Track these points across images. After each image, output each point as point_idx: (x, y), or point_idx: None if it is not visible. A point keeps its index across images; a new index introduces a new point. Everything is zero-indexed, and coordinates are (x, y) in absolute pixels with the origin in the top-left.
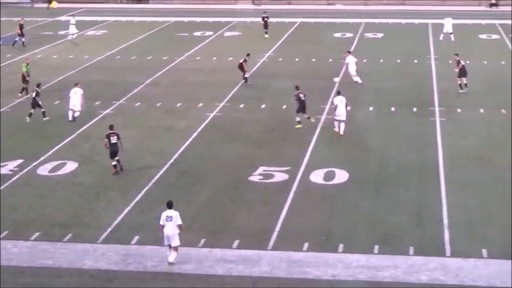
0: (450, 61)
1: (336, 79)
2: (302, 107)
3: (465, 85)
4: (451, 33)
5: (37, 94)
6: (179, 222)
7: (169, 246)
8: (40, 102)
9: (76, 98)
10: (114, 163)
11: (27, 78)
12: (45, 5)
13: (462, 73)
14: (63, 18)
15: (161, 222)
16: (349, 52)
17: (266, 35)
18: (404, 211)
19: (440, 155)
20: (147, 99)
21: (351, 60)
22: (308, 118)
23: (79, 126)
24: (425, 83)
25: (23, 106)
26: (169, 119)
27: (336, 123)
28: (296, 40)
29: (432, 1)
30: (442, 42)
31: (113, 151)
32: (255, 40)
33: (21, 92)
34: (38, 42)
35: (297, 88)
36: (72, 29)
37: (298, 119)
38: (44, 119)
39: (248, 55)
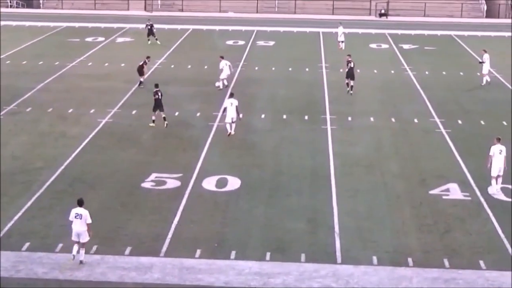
0: (341, 70)
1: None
2: (158, 106)
3: (351, 87)
4: (342, 42)
5: None
6: (89, 221)
7: (77, 242)
8: None
9: None
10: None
11: None
12: None
13: (349, 74)
14: None
15: (70, 218)
16: (221, 57)
17: (149, 42)
18: (297, 218)
19: (332, 162)
20: (38, 105)
21: (224, 65)
22: (164, 118)
23: None
24: (316, 91)
25: None
26: (61, 125)
27: (227, 125)
28: (189, 47)
29: (323, 10)
30: (333, 50)
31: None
32: (147, 46)
33: None
34: None
35: (156, 86)
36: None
37: (153, 117)
38: None
39: (148, 57)
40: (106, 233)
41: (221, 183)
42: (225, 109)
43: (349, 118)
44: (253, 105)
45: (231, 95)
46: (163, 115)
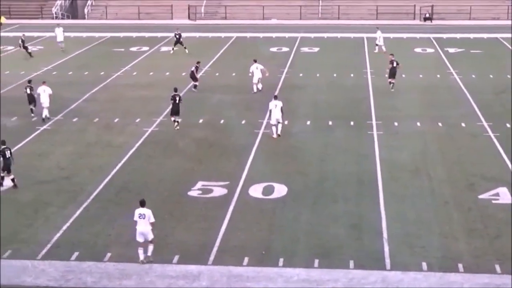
0: (386, 75)
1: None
2: (174, 110)
3: (392, 85)
4: (381, 45)
5: None
6: (152, 220)
7: (142, 243)
8: None
9: (44, 96)
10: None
11: None
12: None
13: (392, 73)
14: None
15: (134, 219)
16: (254, 60)
17: (172, 52)
18: (344, 224)
19: (378, 168)
20: (84, 115)
21: (254, 68)
22: (177, 122)
23: (16, 142)
24: (362, 97)
25: None
26: (107, 135)
27: (273, 128)
28: (233, 54)
29: (367, 15)
30: (378, 55)
31: None
32: (192, 54)
33: None
34: None
35: (175, 90)
36: (60, 37)
37: (173, 119)
38: None
39: (198, 62)
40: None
41: (268, 190)
42: (270, 112)
43: (395, 123)
44: (298, 111)
45: (275, 97)
46: (178, 119)
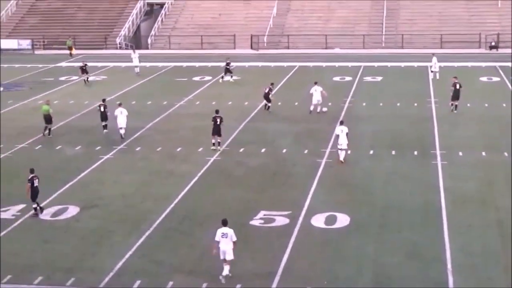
0: (451, 103)
1: (325, 109)
2: (216, 131)
3: (455, 106)
4: (436, 72)
5: None
6: (234, 239)
7: (224, 260)
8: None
9: (122, 118)
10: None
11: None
12: (45, 52)
13: (455, 96)
14: (63, 64)
15: (217, 238)
16: (315, 82)
17: (221, 80)
18: (408, 254)
19: (443, 198)
20: (147, 144)
21: (313, 90)
22: (218, 144)
23: (80, 171)
24: (425, 126)
25: (25, 150)
26: (170, 164)
27: (339, 152)
28: (296, 84)
29: (431, 44)
30: (442, 85)
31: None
32: (254, 84)
33: (45, 132)
34: (39, 88)
35: (216, 112)
36: (136, 62)
37: (213, 141)
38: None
39: (272, 84)
40: (217, 270)
41: (330, 220)
42: (337, 136)
43: (460, 153)
44: (361, 140)
45: (341, 123)
46: (219, 140)
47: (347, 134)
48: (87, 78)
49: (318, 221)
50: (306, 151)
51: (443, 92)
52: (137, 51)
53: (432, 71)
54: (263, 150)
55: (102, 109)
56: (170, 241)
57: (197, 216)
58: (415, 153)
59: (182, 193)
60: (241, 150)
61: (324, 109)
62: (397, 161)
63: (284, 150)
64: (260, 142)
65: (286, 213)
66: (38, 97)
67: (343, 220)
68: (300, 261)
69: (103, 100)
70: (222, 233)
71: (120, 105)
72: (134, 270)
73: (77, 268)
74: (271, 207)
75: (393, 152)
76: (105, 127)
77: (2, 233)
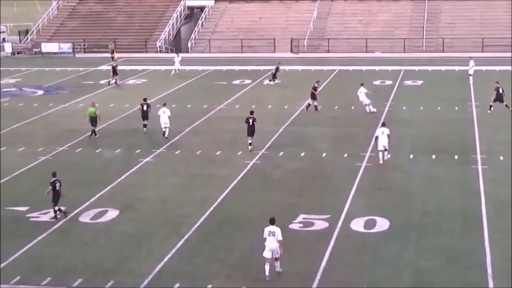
0: (492, 108)
1: (374, 109)
2: (250, 131)
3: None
4: (470, 75)
5: None
6: (280, 238)
7: (269, 259)
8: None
9: (164, 117)
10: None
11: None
12: (86, 55)
13: (498, 99)
14: (104, 67)
15: (264, 236)
16: (361, 84)
17: (272, 83)
18: (448, 259)
19: (483, 203)
20: (187, 147)
21: (358, 92)
22: (250, 144)
23: (119, 174)
24: (466, 130)
25: (65, 153)
26: (209, 167)
27: (380, 153)
28: (335, 88)
29: (472, 48)
30: (483, 88)
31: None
32: (293, 87)
33: (92, 134)
34: (79, 91)
35: (251, 113)
36: (177, 65)
37: (249, 141)
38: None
39: (317, 82)
40: (256, 273)
41: (370, 224)
42: (376, 138)
43: (501, 157)
44: (401, 145)
45: (383, 124)
46: (250, 141)
47: (388, 135)
48: (116, 80)
49: (358, 225)
50: (345, 155)
51: (484, 96)
52: (181, 55)
53: (470, 75)
54: (302, 154)
55: (144, 108)
56: (209, 244)
57: (236, 219)
58: (456, 157)
59: (221, 197)
60: (281, 153)
61: (373, 109)
62: (437, 165)
63: (324, 154)
64: (299, 146)
65: (325, 217)
66: (78, 100)
67: (382, 224)
68: (339, 265)
69: (145, 100)
70: (269, 231)
71: (164, 105)
72: (173, 273)
73: (116, 271)
74: (310, 210)
75: (433, 156)
76: (144, 126)
77: (42, 236)
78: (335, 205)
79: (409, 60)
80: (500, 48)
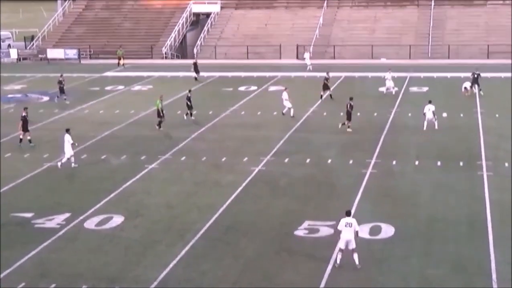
0: (497, 115)
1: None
2: (348, 116)
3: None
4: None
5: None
6: (357, 228)
7: (342, 251)
8: None
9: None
10: None
11: (162, 113)
12: (91, 61)
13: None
14: (109, 74)
15: (339, 228)
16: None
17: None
18: (453, 266)
19: (488, 210)
20: (192, 154)
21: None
22: (344, 124)
23: (125, 180)
24: (472, 137)
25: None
26: (215, 174)
27: (425, 122)
28: (341, 94)
29: (477, 55)
30: (488, 95)
31: None
32: (299, 94)
33: (158, 126)
34: (85, 97)
35: (351, 99)
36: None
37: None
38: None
39: (328, 73)
40: (261, 280)
41: (375, 230)
42: (424, 114)
43: (506, 164)
44: (406, 151)
45: (429, 102)
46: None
47: (433, 112)
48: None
49: (363, 231)
50: (351, 162)
51: (490, 102)
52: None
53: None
54: (308, 160)
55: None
56: (214, 251)
57: (242, 226)
58: (461, 164)
59: (227, 203)
60: (286, 160)
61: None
62: (443, 172)
63: (329, 161)
64: (305, 152)
65: (330, 223)
66: (83, 107)
67: (387, 230)
68: (344, 271)
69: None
70: (346, 222)
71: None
72: (178, 280)
73: (121, 278)
74: (315, 217)
75: (439, 163)
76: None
77: (47, 242)
78: (341, 211)
79: (414, 66)
80: (506, 55)
